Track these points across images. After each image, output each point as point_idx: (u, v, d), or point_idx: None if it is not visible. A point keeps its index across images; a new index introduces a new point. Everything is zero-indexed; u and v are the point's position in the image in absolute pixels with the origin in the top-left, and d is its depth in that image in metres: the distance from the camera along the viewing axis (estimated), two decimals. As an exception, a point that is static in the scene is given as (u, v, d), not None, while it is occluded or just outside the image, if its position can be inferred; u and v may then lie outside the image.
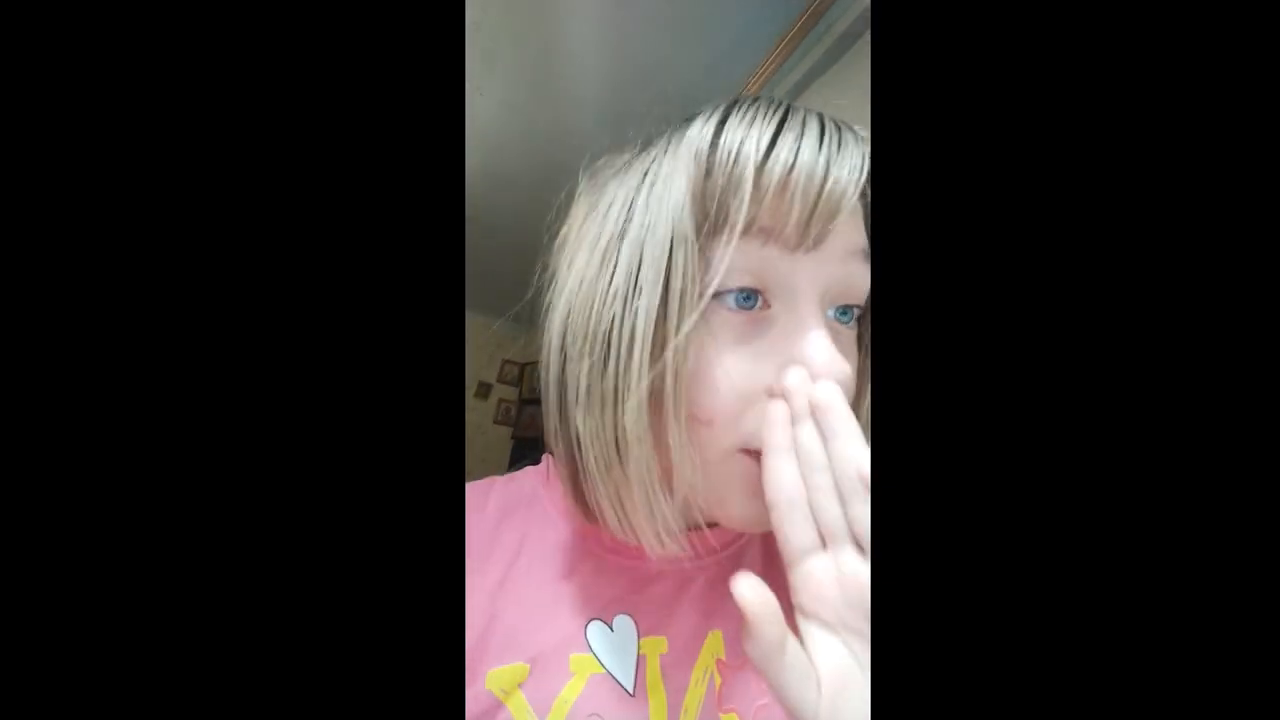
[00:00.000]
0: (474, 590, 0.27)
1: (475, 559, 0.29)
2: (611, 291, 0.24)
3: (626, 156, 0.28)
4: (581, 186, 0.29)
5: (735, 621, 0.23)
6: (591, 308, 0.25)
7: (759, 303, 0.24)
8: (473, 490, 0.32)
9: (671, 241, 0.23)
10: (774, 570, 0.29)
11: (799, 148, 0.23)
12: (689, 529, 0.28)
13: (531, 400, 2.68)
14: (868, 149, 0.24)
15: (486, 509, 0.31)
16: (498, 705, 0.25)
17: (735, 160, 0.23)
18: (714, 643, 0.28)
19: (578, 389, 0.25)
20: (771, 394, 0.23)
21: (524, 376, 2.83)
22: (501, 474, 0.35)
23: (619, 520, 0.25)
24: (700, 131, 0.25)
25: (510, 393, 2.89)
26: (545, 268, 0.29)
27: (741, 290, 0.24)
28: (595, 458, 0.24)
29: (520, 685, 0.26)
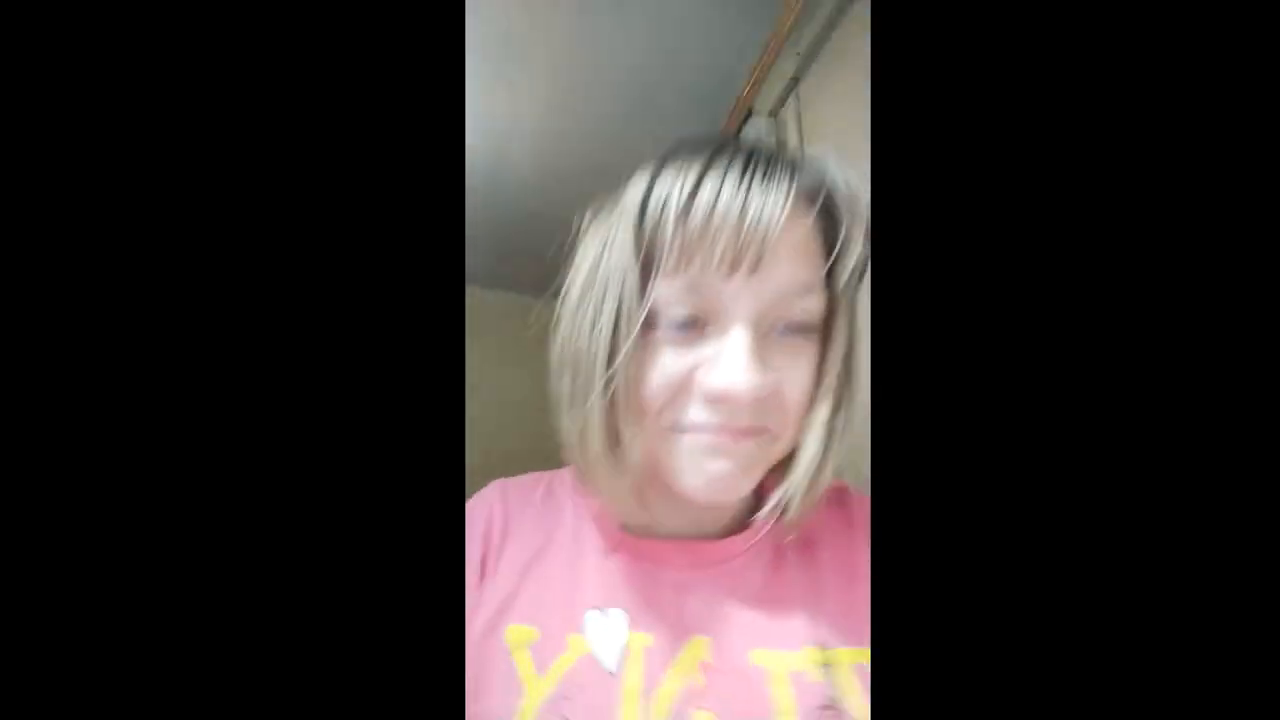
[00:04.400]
0: (513, 559, 0.34)
1: (519, 535, 0.34)
2: (586, 321, 0.30)
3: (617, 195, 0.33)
4: (587, 223, 0.34)
5: (727, 630, 0.30)
6: (572, 333, 0.31)
7: (695, 326, 0.29)
8: (527, 481, 0.39)
9: (623, 282, 0.28)
10: (777, 584, 0.33)
11: (719, 190, 0.27)
12: (693, 540, 0.34)
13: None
14: (811, 175, 0.29)
15: (534, 499, 0.37)
16: (508, 654, 0.30)
17: (661, 211, 0.28)
18: (698, 646, 0.30)
19: (561, 395, 0.32)
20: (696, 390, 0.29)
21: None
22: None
23: (592, 489, 0.33)
24: (635, 188, 0.30)
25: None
26: (557, 294, 0.34)
27: (684, 318, 0.29)
28: (571, 445, 0.32)
29: (529, 645, 0.31)
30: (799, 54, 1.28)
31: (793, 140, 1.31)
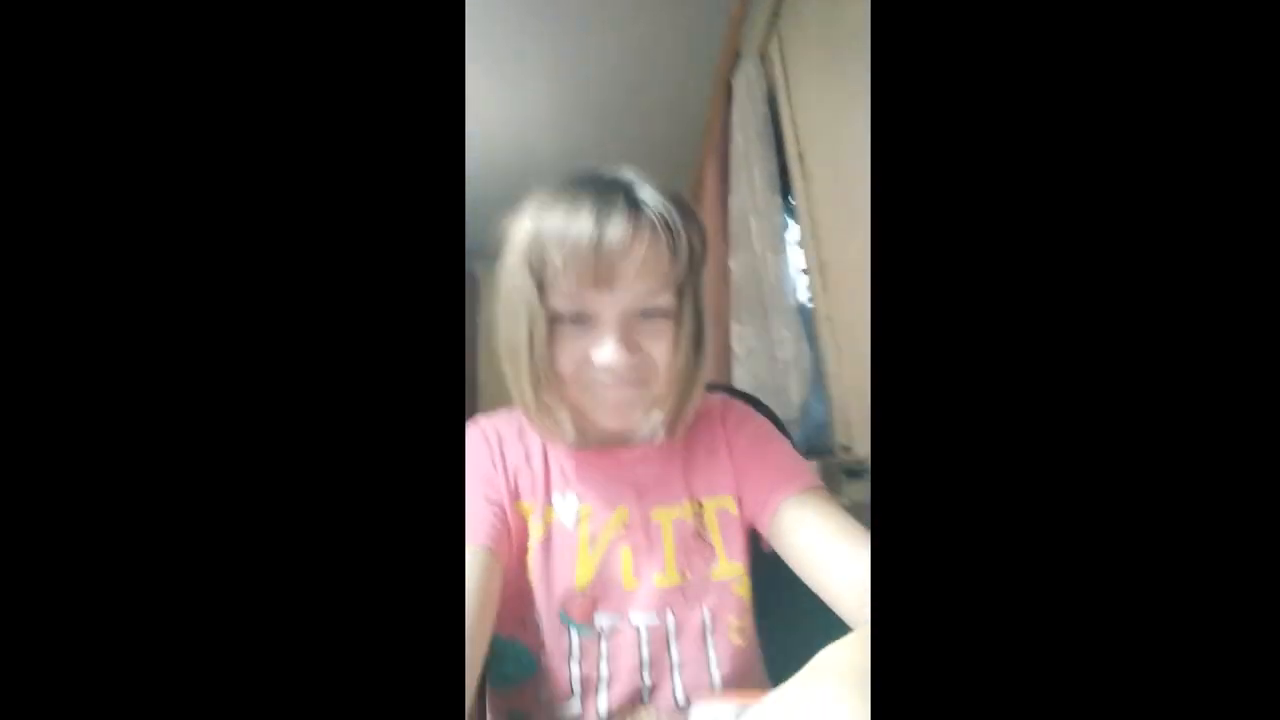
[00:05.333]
0: (510, 464, 0.51)
1: (509, 450, 0.52)
2: (510, 322, 0.44)
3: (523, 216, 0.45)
4: (505, 230, 0.45)
5: (637, 500, 0.49)
6: (504, 330, 0.45)
7: (582, 320, 0.42)
8: (502, 416, 0.55)
9: (527, 299, 0.41)
10: (667, 468, 0.51)
11: (577, 230, 0.39)
12: (615, 447, 0.51)
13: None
14: (648, 211, 0.41)
15: (511, 429, 0.54)
16: (523, 519, 0.48)
17: (541, 248, 0.40)
18: (621, 512, 0.49)
19: (506, 372, 0.46)
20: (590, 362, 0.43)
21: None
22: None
23: (536, 428, 0.50)
24: (521, 226, 0.43)
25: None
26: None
27: (573, 315, 0.42)
28: (518, 403, 0.47)
29: (528, 515, 0.49)
30: (775, -13, 1.25)
31: (780, 80, 1.31)
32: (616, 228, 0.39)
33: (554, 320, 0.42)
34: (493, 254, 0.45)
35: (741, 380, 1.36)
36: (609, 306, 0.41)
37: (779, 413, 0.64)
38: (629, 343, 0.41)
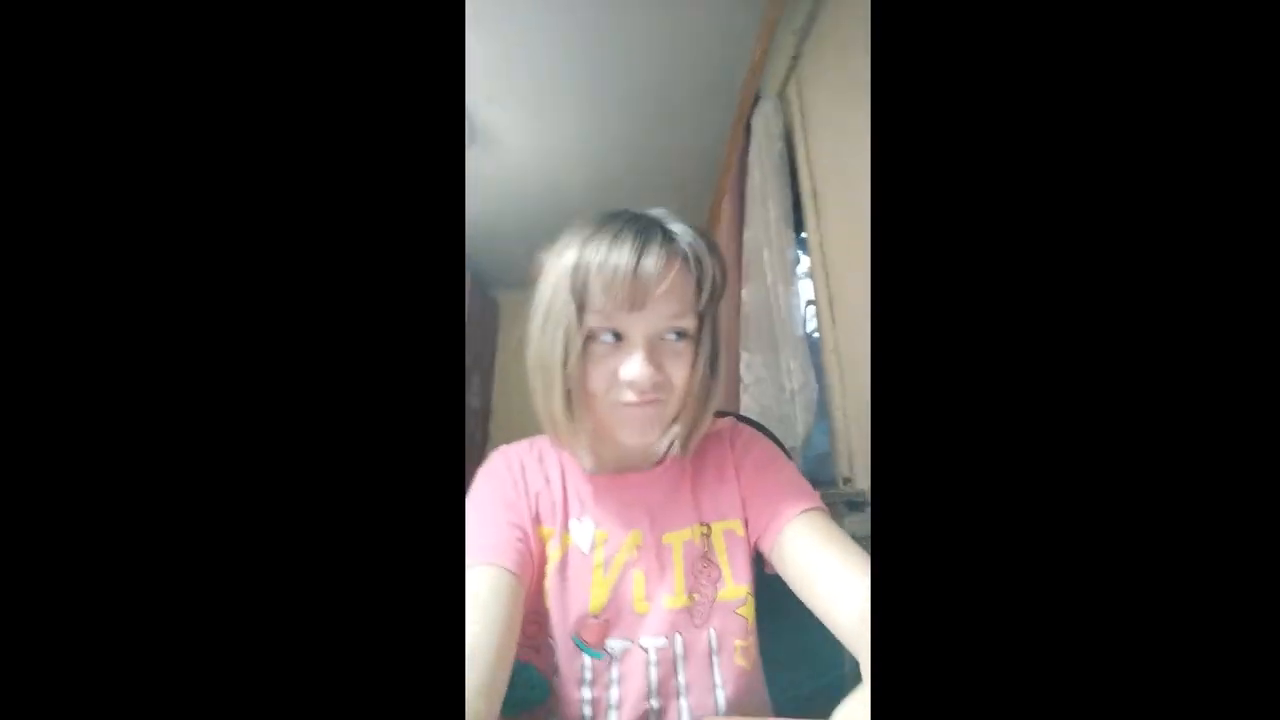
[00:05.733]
0: (533, 489, 0.53)
1: (530, 476, 0.55)
2: (546, 341, 0.48)
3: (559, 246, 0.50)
4: (541, 261, 0.51)
5: (649, 524, 0.51)
6: (538, 349, 0.49)
7: (617, 338, 0.46)
8: (522, 444, 0.58)
9: (566, 319, 0.46)
10: (678, 492, 0.54)
11: (617, 259, 0.44)
12: (629, 472, 0.54)
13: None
14: (678, 243, 0.46)
15: (532, 455, 0.57)
16: (543, 543, 0.51)
17: (585, 273, 0.45)
18: (634, 535, 0.52)
19: (535, 389, 0.49)
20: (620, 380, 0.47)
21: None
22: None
23: (562, 446, 0.53)
24: (567, 254, 0.47)
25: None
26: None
27: (607, 333, 0.46)
28: (545, 421, 0.50)
29: (548, 540, 0.51)
30: (795, 31, 1.31)
31: (797, 118, 1.36)
32: (652, 256, 0.45)
33: (588, 339, 0.46)
34: (516, 283, 0.50)
35: (749, 408, 1.39)
36: (639, 326, 0.46)
37: (784, 441, 0.67)
38: (654, 360, 0.46)
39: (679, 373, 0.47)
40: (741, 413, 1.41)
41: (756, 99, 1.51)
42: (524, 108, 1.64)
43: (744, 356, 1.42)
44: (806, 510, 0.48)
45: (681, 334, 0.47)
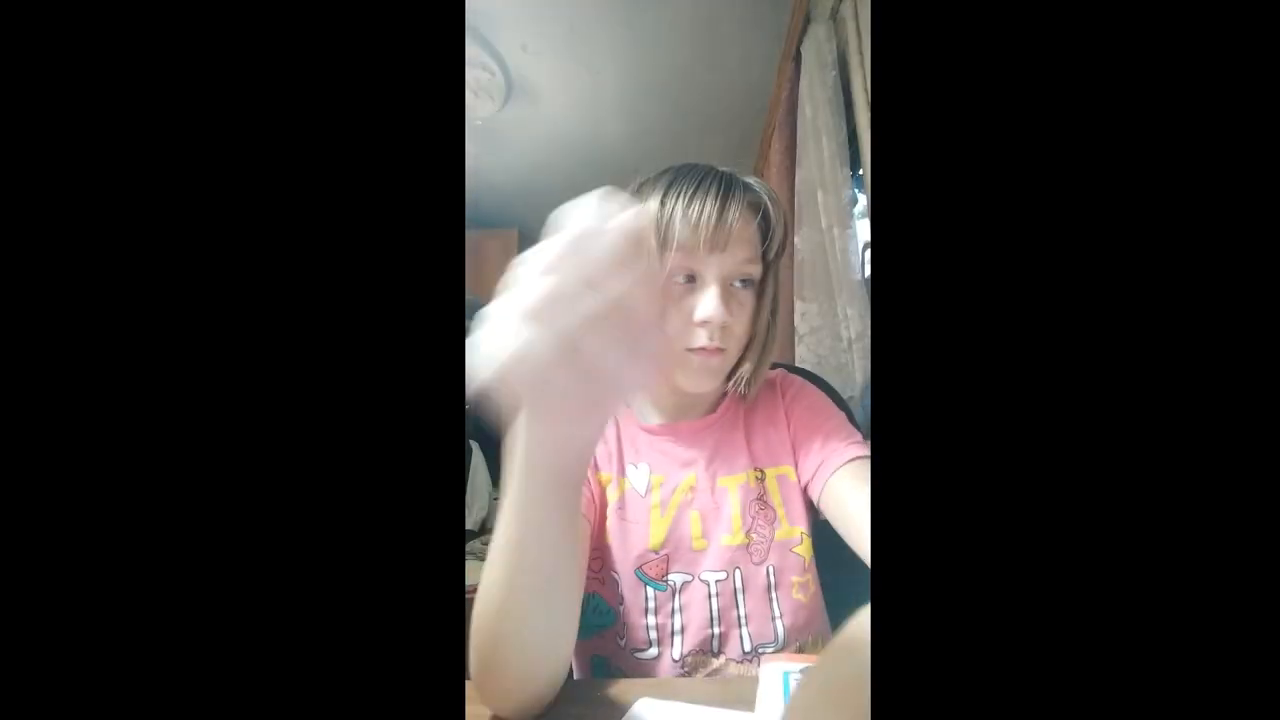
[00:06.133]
0: (602, 439, 0.56)
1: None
2: None
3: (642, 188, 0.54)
4: (631, 193, 0.54)
5: (704, 469, 0.54)
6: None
7: (691, 280, 0.50)
8: None
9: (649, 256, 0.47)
10: (731, 439, 0.56)
11: (702, 207, 0.48)
12: (684, 422, 0.57)
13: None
14: (754, 194, 0.51)
15: None
16: (602, 488, 0.54)
17: (670, 216, 0.49)
18: (689, 479, 0.54)
19: None
20: (695, 320, 0.50)
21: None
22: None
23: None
24: (654, 199, 0.50)
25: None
26: None
27: (683, 274, 0.50)
28: None
29: (606, 485, 0.55)
30: (849, -56, 1.19)
31: (853, 42, 1.24)
32: (734, 203, 0.49)
33: (668, 277, 0.50)
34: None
35: (804, 358, 1.34)
36: (715, 268, 0.49)
37: (841, 391, 0.64)
38: (727, 300, 0.49)
39: (742, 319, 0.51)
40: (797, 364, 1.37)
41: (806, 23, 1.39)
42: (559, 55, 1.58)
43: (798, 305, 1.36)
44: (852, 460, 0.49)
45: (747, 281, 0.51)
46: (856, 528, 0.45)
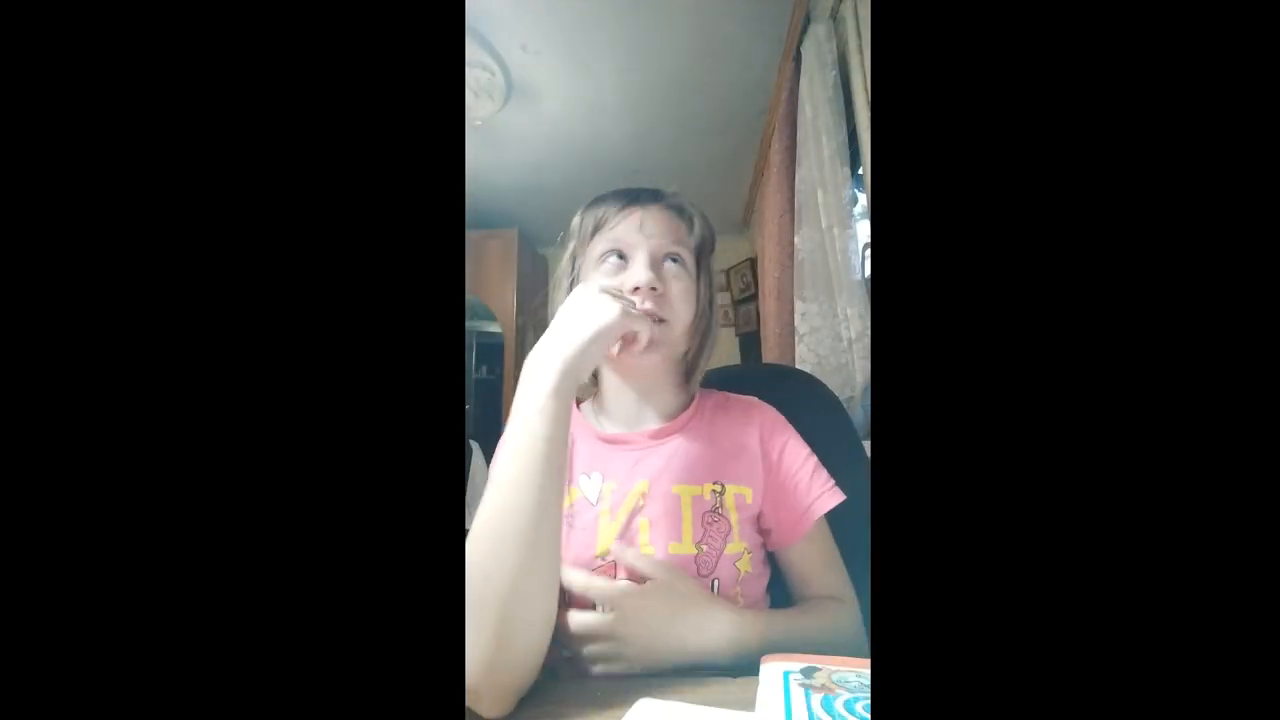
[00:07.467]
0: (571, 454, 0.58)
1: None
2: (564, 260, 0.61)
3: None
4: (578, 218, 0.62)
5: (657, 476, 0.55)
6: (558, 298, 0.59)
7: (622, 258, 0.56)
8: None
9: (575, 238, 0.60)
10: (687, 451, 0.57)
11: (628, 195, 0.58)
12: (637, 432, 0.59)
13: (743, 299, 2.89)
14: (676, 199, 0.60)
15: None
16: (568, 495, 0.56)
17: (602, 207, 0.58)
18: (641, 485, 0.55)
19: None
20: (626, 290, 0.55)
21: (730, 281, 2.99)
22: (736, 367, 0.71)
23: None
24: (583, 209, 0.60)
25: (724, 298, 3.09)
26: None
27: (614, 253, 0.56)
28: None
29: (569, 495, 0.56)
30: (849, -56, 1.19)
31: (853, 42, 1.24)
32: (649, 196, 0.59)
33: (600, 260, 0.55)
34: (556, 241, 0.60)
35: (804, 358, 1.34)
36: (643, 244, 0.55)
37: (840, 392, 0.64)
38: (656, 270, 0.55)
39: (676, 290, 0.55)
40: (797, 364, 1.37)
41: (806, 23, 1.39)
42: (560, 55, 1.58)
43: (798, 305, 1.36)
44: (813, 526, 0.54)
45: (677, 259, 0.57)
46: (803, 597, 0.54)
